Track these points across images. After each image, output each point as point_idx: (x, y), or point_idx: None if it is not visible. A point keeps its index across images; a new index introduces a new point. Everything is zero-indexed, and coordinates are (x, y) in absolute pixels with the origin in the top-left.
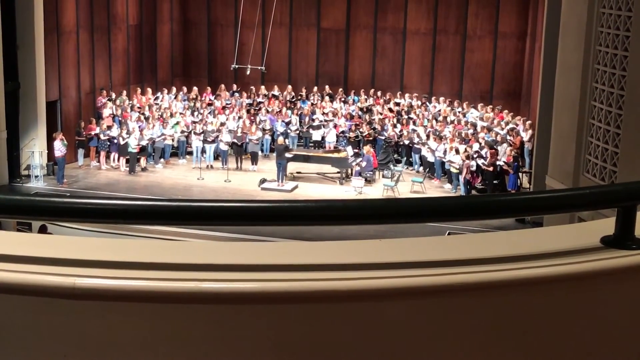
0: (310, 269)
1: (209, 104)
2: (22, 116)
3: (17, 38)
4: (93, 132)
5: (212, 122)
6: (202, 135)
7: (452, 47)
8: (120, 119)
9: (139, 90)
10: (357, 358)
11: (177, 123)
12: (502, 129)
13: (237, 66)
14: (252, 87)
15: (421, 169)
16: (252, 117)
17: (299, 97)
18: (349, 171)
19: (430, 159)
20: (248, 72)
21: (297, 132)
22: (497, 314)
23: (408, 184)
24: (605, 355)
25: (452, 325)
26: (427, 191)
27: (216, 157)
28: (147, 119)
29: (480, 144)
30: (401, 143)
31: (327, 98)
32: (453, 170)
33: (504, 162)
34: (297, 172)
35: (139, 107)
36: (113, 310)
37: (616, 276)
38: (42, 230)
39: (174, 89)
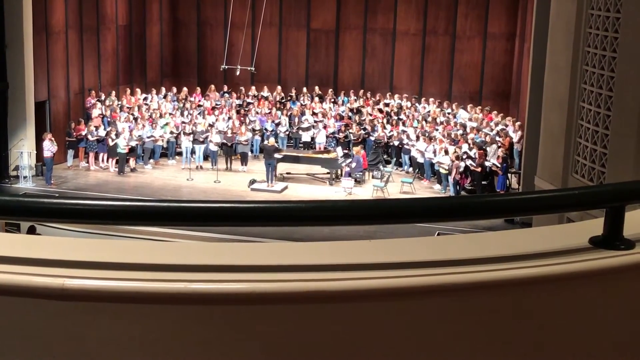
0: (300, 269)
1: (199, 105)
2: (11, 116)
3: (6, 38)
4: (82, 133)
5: (202, 122)
6: (192, 135)
7: (441, 47)
8: (109, 119)
9: (128, 91)
10: (348, 359)
11: (167, 124)
12: (492, 129)
13: (226, 67)
14: (241, 87)
15: (411, 169)
16: (242, 118)
17: (289, 98)
18: (339, 172)
19: (420, 159)
20: (238, 73)
21: (287, 132)
22: (487, 314)
23: (398, 185)
24: (594, 355)
25: (442, 326)
26: (417, 192)
27: (206, 158)
28: (136, 119)
29: (469, 144)
30: (391, 144)
31: (316, 99)
32: (442, 171)
33: (493, 162)
34: (287, 173)
35: (128, 108)
36: (102, 311)
37: (605, 276)
38: (31, 231)
39: (164, 90)
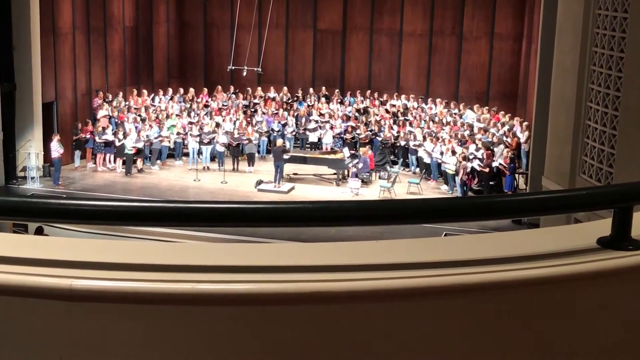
0: (306, 270)
1: (206, 106)
2: (18, 117)
3: (13, 39)
4: (89, 134)
5: (208, 123)
6: (199, 136)
7: (448, 48)
8: (116, 120)
9: (135, 92)
10: None
11: (174, 125)
12: (499, 130)
13: (233, 68)
14: (248, 88)
15: (418, 170)
16: (249, 119)
17: (296, 99)
18: (346, 172)
19: (427, 160)
20: (244, 74)
21: (294, 133)
22: (494, 314)
23: (404, 185)
24: (603, 355)
25: (450, 326)
26: (424, 192)
27: (212, 159)
28: (143, 120)
29: (476, 145)
30: (398, 144)
31: (323, 99)
32: (449, 171)
33: (500, 163)
34: (294, 174)
35: (135, 109)
36: (110, 311)
37: (613, 277)
38: (39, 231)
39: (170, 91)
